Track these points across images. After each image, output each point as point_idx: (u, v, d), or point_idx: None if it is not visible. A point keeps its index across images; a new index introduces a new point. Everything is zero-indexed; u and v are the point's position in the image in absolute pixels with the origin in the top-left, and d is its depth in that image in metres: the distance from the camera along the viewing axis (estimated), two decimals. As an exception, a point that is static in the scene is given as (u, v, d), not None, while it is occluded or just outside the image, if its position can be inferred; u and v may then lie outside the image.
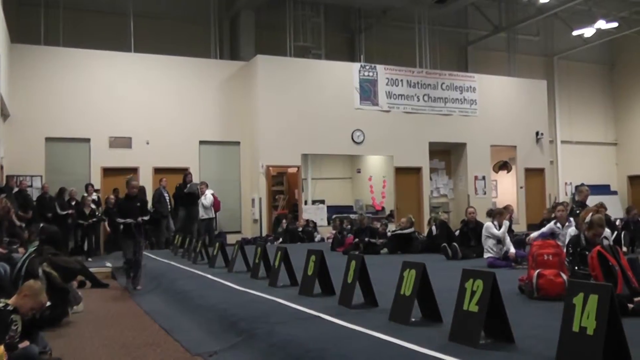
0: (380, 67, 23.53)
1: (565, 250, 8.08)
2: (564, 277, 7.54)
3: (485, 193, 25.38)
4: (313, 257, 8.27)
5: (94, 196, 18.98)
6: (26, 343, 5.65)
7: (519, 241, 13.11)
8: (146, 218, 11.72)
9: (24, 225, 14.72)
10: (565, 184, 30.21)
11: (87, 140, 20.22)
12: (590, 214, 8.04)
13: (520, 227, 23.91)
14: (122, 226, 11.39)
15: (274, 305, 7.57)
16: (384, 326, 6.08)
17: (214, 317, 7.47)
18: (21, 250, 10.23)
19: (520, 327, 5.56)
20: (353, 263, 7.31)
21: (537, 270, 7.58)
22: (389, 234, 16.57)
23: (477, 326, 5.18)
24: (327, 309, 7.08)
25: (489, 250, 11.84)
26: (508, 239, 12.04)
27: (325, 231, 21.90)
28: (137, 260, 11.33)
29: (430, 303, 6.27)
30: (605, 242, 7.30)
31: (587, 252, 7.59)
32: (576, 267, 7.69)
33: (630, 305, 6.30)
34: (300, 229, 21.26)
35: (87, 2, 22.15)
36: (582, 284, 4.41)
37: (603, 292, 4.15)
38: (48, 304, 6.28)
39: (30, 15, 20.83)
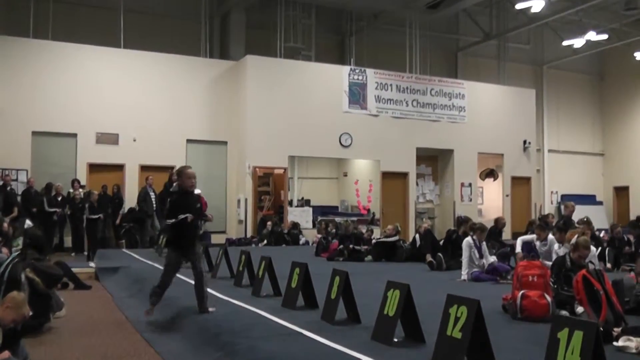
0: (369, 71, 23.55)
1: (550, 270, 8.09)
2: (548, 298, 7.54)
3: (471, 200, 25.47)
4: (297, 270, 8.24)
5: (80, 191, 18.86)
6: (6, 354, 5.60)
7: (504, 254, 13.14)
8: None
9: (7, 220, 14.64)
10: (552, 192, 30.36)
11: (74, 135, 20.14)
12: (576, 236, 8.07)
13: (505, 235, 23.92)
14: (172, 230, 8.32)
15: (257, 318, 7.52)
16: (366, 346, 6.05)
17: (196, 329, 7.42)
18: (4, 250, 10.14)
19: (503, 351, 5.54)
20: (337, 279, 7.28)
21: (522, 291, 7.57)
22: (373, 241, 16.55)
23: (460, 353, 5.16)
24: (310, 324, 7.04)
25: (473, 265, 11.81)
26: (487, 254, 12.04)
27: (310, 234, 21.87)
28: (198, 277, 8.25)
29: (413, 324, 6.25)
30: (591, 266, 7.31)
31: (572, 274, 7.60)
32: (560, 289, 7.72)
33: (615, 332, 6.28)
34: (286, 231, 21.24)
35: (78, -4, 22.06)
36: (568, 320, 4.40)
37: (588, 329, 4.14)
38: (30, 313, 6.22)
39: (20, 8, 20.70)
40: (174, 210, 8.17)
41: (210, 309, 7.99)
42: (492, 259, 11.98)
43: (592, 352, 4.08)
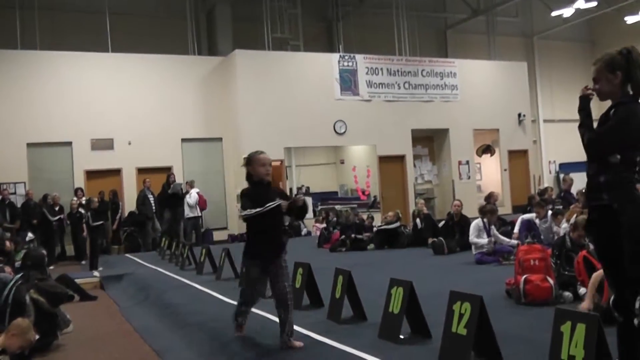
0: (359, 57, 23.47)
1: (551, 251, 8.13)
2: (551, 281, 7.58)
3: (469, 177, 25.47)
4: (300, 270, 8.29)
5: (83, 200, 18.81)
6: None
7: (505, 233, 13.17)
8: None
9: (9, 234, 14.66)
10: (549, 162, 30.37)
11: (69, 143, 20.13)
12: (575, 215, 8.09)
13: (505, 210, 24.08)
14: (254, 227, 6.44)
15: (264, 322, 7.51)
16: (374, 345, 6.09)
17: (204, 337, 7.43)
18: (7, 269, 10.12)
19: (509, 342, 5.59)
20: (340, 278, 7.31)
21: (524, 276, 7.60)
22: (375, 228, 16.58)
23: (466, 349, 5.18)
24: (317, 325, 7.08)
25: (477, 246, 11.86)
26: (500, 236, 12.12)
27: (311, 223, 21.88)
28: (283, 296, 6.33)
29: (418, 320, 6.28)
30: (592, 246, 7.32)
31: (572, 254, 7.66)
32: (562, 270, 7.77)
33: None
34: (287, 223, 21.21)
35: (63, 1, 21.96)
36: (570, 313, 4.41)
37: (590, 322, 4.17)
38: (36, 337, 6.25)
39: (5, 20, 20.59)
40: (251, 203, 6.22)
41: (296, 344, 6.31)
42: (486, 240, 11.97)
43: (595, 345, 4.11)
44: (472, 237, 11.97)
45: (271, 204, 6.08)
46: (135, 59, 21.19)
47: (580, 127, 4.59)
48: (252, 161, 6.41)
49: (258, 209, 6.11)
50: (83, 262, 16.59)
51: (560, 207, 13.11)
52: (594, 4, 26.95)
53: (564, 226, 10.71)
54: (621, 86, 4.43)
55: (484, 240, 11.84)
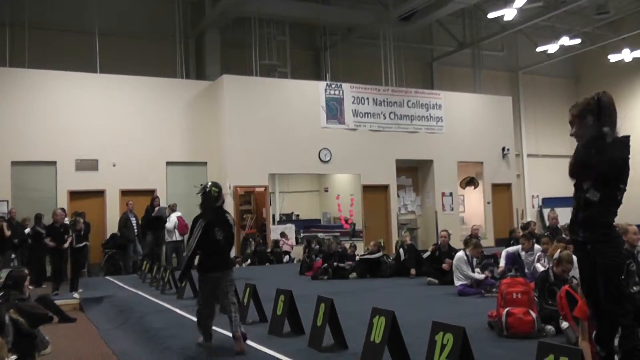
0: (346, 86, 23.52)
1: (534, 285, 8.16)
2: (533, 314, 7.60)
3: (452, 209, 25.48)
4: (282, 297, 8.25)
5: (66, 220, 18.46)
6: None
7: (488, 266, 13.18)
8: None
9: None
10: (532, 197, 30.51)
11: (54, 163, 19.93)
12: (559, 250, 8.13)
13: (488, 242, 24.11)
14: None
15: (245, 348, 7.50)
16: (355, 374, 6.07)
17: (184, 362, 7.39)
18: (-14, 289, 10.03)
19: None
20: (322, 306, 7.29)
21: (507, 309, 7.62)
22: (357, 257, 16.57)
23: (448, 380, 5.18)
24: (298, 352, 7.06)
25: (460, 278, 11.88)
26: (477, 272, 12.14)
27: (295, 250, 21.81)
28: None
29: (400, 350, 6.26)
30: (575, 281, 7.36)
31: (555, 288, 7.68)
32: (545, 303, 7.79)
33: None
34: (269, 249, 21.18)
35: (53, 21, 21.93)
36: (552, 346, 4.42)
37: (573, 355, 4.18)
38: (14, 357, 6.18)
39: (-6, 37, 20.59)
40: None
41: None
42: (482, 276, 11.99)
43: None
44: (455, 266, 12.02)
45: None
46: (123, 81, 21.11)
47: None
48: None
49: None
50: (56, 293, 15.47)
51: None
52: (578, 41, 27.31)
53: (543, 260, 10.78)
54: (595, 128, 4.95)
55: (466, 273, 11.88)
